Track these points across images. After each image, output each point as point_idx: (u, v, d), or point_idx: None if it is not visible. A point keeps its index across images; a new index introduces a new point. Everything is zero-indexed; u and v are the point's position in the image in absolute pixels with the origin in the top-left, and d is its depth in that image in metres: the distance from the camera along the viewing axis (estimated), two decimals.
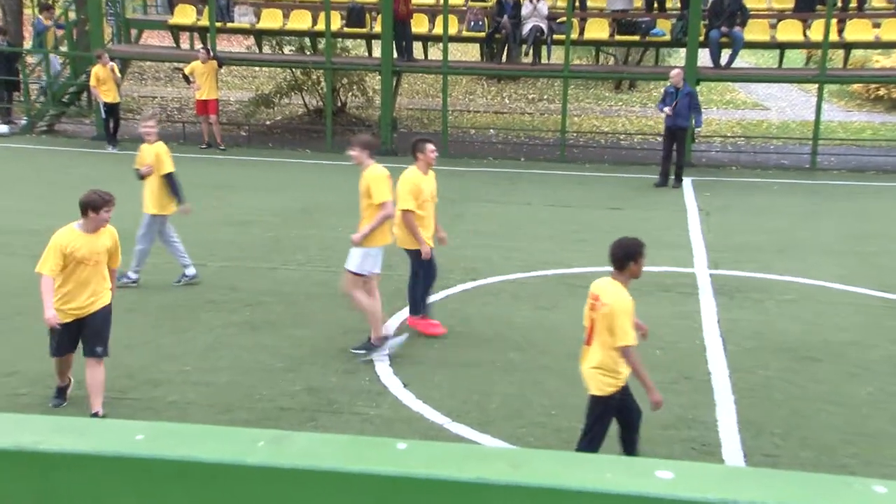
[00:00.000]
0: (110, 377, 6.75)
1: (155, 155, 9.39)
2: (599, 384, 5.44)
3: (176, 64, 24.27)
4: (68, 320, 6.39)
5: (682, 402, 7.04)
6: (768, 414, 6.85)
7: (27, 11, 28.18)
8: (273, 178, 14.88)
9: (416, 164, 8.19)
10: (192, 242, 10.98)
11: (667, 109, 14.59)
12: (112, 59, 17.13)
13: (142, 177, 9.41)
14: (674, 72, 15.04)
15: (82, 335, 6.49)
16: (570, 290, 9.57)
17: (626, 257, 5.41)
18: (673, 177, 14.93)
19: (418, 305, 8.32)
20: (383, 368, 7.59)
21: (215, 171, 15.47)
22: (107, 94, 16.72)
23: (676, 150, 14.89)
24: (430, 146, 8.19)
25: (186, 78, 17.69)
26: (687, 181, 15.22)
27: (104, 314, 6.48)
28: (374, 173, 7.65)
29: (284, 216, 12.38)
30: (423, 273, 8.26)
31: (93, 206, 6.33)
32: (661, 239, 11.67)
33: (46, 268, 6.27)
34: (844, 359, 7.91)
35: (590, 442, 5.49)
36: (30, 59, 20.33)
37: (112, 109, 17.01)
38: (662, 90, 15.46)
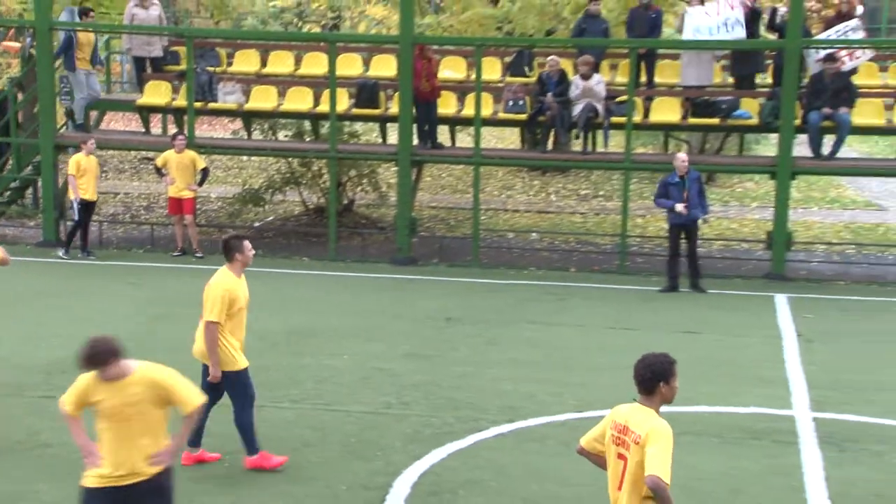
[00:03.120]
0: None
1: None
2: None
3: (144, 153, 25.09)
4: None
5: None
6: None
7: None
8: (261, 294, 14.92)
9: (231, 265, 8.58)
10: None
11: (680, 207, 15.23)
12: (63, 148, 17.72)
13: None
14: (681, 157, 15.67)
15: None
16: None
17: (654, 378, 5.55)
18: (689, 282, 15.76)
19: (253, 438, 8.70)
20: None
21: (189, 284, 15.66)
22: (85, 190, 17.27)
23: (690, 248, 15.67)
24: (248, 243, 8.64)
25: (158, 170, 18.26)
26: (782, 298, 15.34)
27: None
28: None
29: (273, 341, 12.54)
30: (239, 398, 8.61)
31: None
32: (750, 372, 11.73)
33: None
34: None
35: None
36: None
37: (88, 209, 17.58)
38: (660, 181, 15.84)
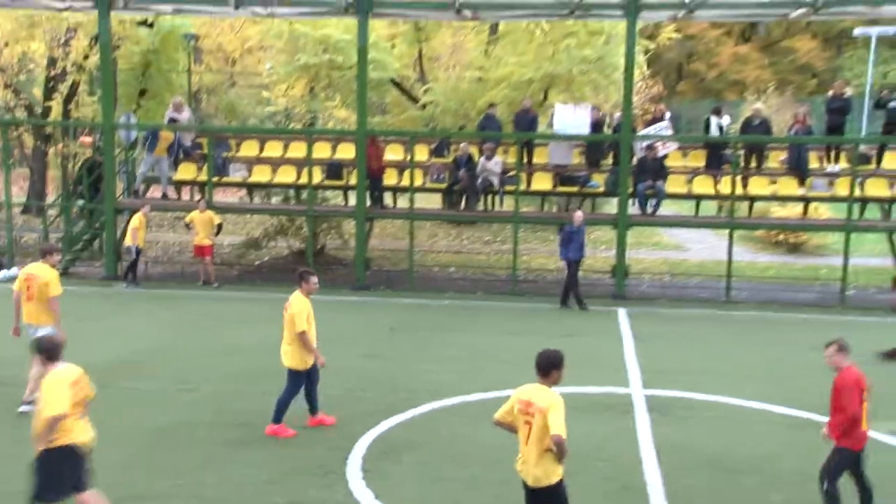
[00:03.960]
0: (110, 493, 6.61)
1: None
2: (553, 473, 5.53)
3: (177, 214, 24.64)
4: None
5: None
6: None
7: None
8: (259, 312, 14.89)
9: (301, 290, 8.75)
10: (188, 370, 10.95)
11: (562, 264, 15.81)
12: (120, 210, 17.37)
13: None
14: (578, 214, 15.82)
15: None
16: None
17: (550, 366, 5.62)
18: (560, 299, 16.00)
19: (282, 414, 8.71)
20: (357, 483, 7.52)
21: (209, 306, 15.50)
22: (141, 240, 17.04)
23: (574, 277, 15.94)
24: (315, 279, 8.82)
25: (187, 225, 17.98)
26: (623, 311, 15.58)
27: None
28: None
29: (271, 346, 12.32)
30: (309, 382, 8.77)
31: None
32: (601, 363, 11.80)
33: None
34: (759, 471, 8.01)
35: None
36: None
37: (139, 252, 17.26)
38: (564, 231, 15.83)
